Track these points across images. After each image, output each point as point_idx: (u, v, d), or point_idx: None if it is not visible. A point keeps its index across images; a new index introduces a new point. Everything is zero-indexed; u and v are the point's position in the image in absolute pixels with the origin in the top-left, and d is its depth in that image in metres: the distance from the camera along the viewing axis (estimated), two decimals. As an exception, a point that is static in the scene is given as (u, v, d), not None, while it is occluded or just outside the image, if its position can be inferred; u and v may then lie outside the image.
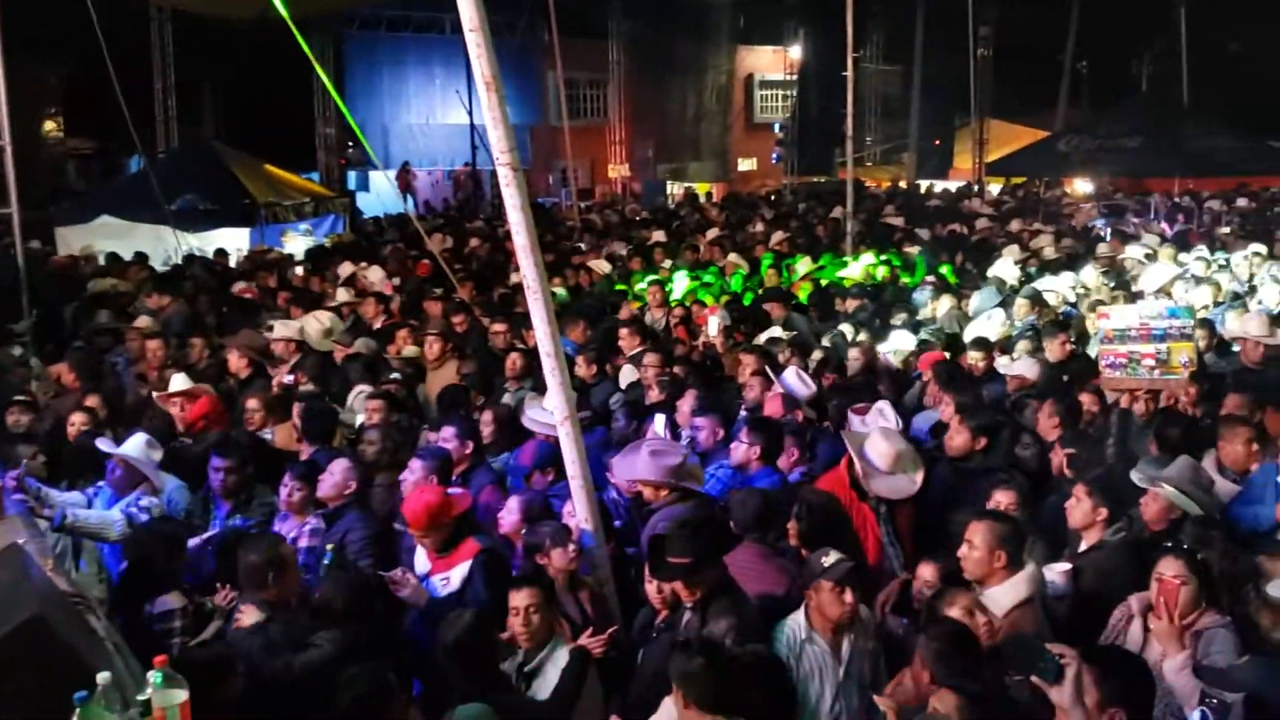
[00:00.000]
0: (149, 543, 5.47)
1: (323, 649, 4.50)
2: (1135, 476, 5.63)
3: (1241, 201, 22.14)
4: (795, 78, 36.84)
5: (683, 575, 4.68)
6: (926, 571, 5.02)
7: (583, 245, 17.36)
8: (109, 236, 17.49)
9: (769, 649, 4.46)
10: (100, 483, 6.46)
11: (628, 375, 8.97)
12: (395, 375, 8.50)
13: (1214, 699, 3.33)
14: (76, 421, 7.42)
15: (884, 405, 7.16)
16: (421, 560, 5.71)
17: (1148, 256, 14.07)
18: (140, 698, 3.15)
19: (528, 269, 5.23)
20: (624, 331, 9.81)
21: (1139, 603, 4.65)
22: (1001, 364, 8.79)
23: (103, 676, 3.11)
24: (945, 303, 11.33)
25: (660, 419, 7.32)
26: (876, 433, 6.03)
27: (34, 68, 20.66)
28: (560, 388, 5.30)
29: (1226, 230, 17.74)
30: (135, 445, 6.41)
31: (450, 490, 5.88)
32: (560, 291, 12.90)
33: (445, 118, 30.20)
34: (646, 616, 5.13)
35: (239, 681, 4.01)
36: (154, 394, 8.08)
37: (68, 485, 6.58)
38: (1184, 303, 9.28)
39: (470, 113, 26.88)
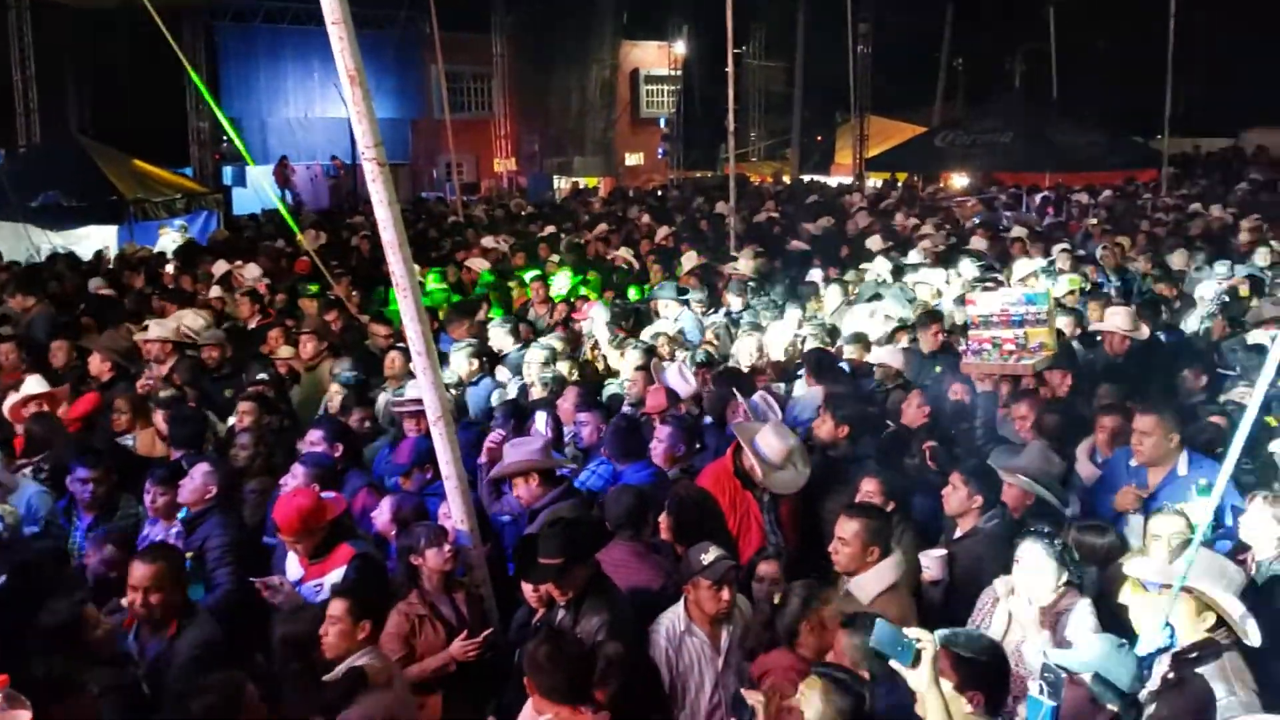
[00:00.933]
0: (32, 557, 5.30)
1: None
2: (992, 464, 5.77)
3: (1106, 194, 22.91)
4: (680, 73, 37.04)
5: (553, 576, 4.65)
6: (766, 569, 5.04)
7: (490, 241, 17.06)
8: (-34, 235, 16.70)
9: (635, 646, 4.44)
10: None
11: (501, 374, 8.90)
12: (263, 376, 8.26)
13: (1050, 673, 3.42)
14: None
15: (763, 394, 7.24)
16: (294, 566, 5.58)
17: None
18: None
19: (396, 266, 5.12)
20: (498, 331, 9.71)
21: (1004, 586, 4.77)
22: (871, 354, 8.93)
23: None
24: (834, 296, 11.42)
25: (541, 416, 7.27)
26: (768, 428, 6.06)
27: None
28: (433, 386, 5.21)
29: (1094, 222, 18.32)
30: None
31: (323, 494, 5.76)
32: (443, 287, 12.74)
33: (324, 111, 29.57)
34: (523, 616, 5.10)
35: (93, 701, 3.84)
36: (3, 404, 7.65)
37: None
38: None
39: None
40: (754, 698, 3.61)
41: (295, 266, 14.24)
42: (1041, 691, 3.31)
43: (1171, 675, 4.01)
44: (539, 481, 5.89)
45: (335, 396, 7.94)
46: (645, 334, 9.81)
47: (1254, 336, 8.58)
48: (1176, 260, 13.22)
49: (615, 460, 6.35)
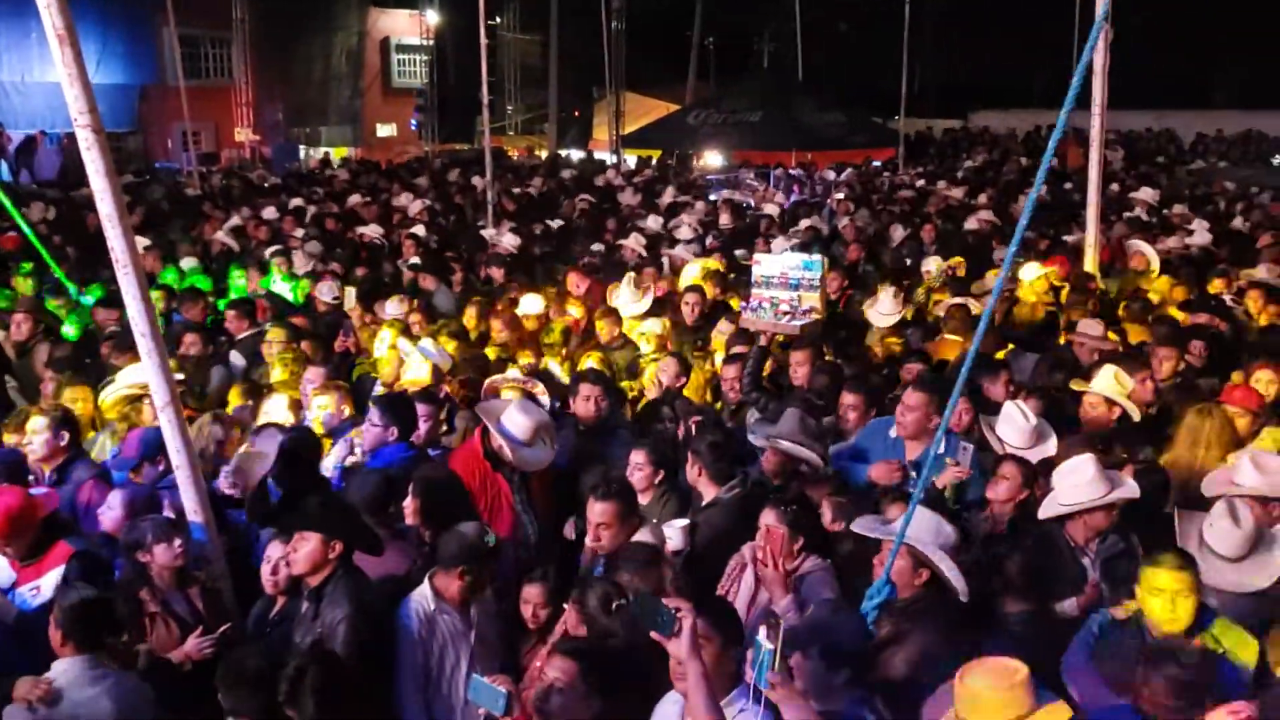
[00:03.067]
0: None
1: None
2: (750, 436, 5.91)
3: (849, 172, 24.02)
4: (432, 43, 36.28)
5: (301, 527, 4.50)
6: (531, 593, 4.77)
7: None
8: None
9: (381, 636, 4.32)
10: None
11: (236, 360, 8.51)
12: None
13: (772, 617, 3.56)
14: None
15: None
16: (3, 570, 5.13)
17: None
18: None
19: (115, 240, 4.80)
20: (231, 314, 9.22)
21: (750, 551, 4.91)
22: (637, 327, 9.01)
23: None
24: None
25: (279, 399, 6.96)
26: (514, 406, 5.98)
27: None
28: (159, 370, 4.89)
29: (840, 197, 19.10)
30: None
31: (34, 490, 5.31)
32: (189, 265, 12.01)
33: (44, 75, 27.23)
34: (262, 608, 4.87)
35: None
36: None
37: None
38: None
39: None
40: (505, 683, 3.55)
41: (2, 242, 13.03)
42: (766, 636, 3.45)
43: (891, 629, 4.25)
44: None
45: (50, 383, 7.34)
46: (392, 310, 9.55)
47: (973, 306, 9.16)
48: (896, 235, 14.08)
49: (394, 439, 6.15)
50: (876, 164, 26.17)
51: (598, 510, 4.91)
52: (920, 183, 20.86)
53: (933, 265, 11.10)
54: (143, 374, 5.31)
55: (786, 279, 7.83)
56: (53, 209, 16.02)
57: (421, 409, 6.41)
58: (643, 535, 4.91)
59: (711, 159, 27.71)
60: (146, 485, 5.89)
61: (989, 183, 21.14)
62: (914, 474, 5.74)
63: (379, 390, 7.49)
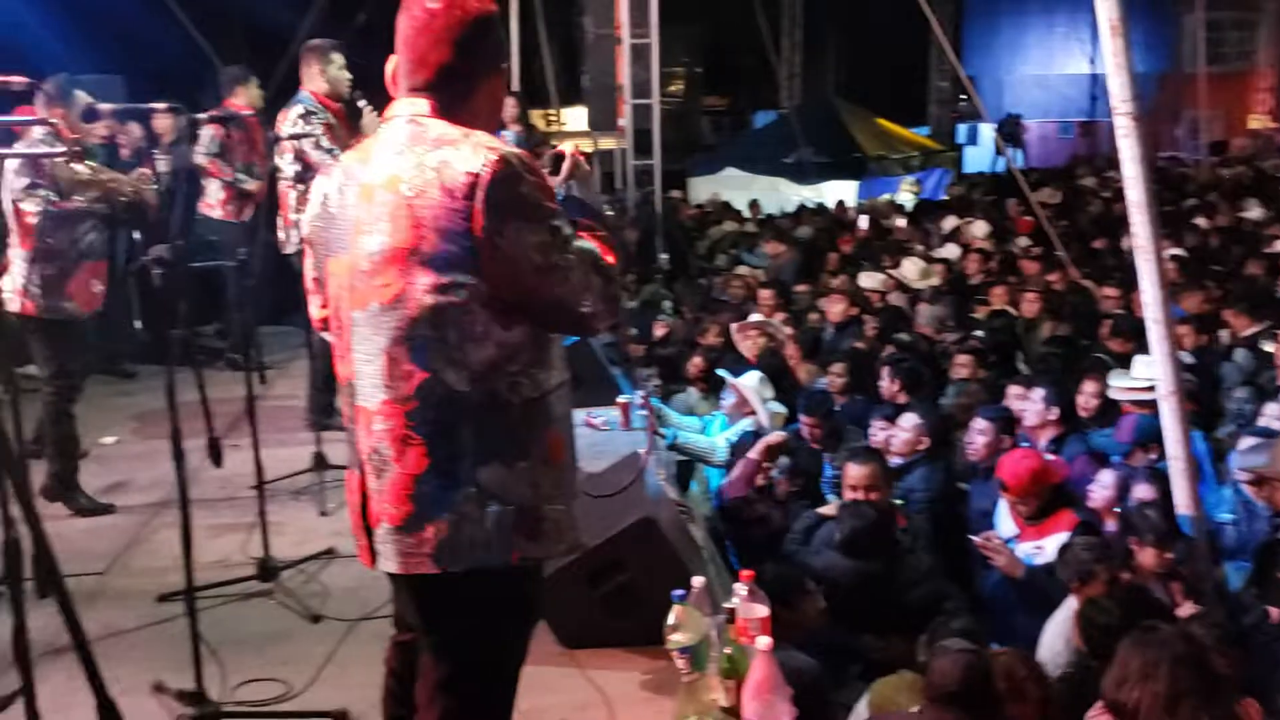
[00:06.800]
0: None
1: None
2: None
3: None
4: None
5: None
6: None
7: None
8: (733, 187, 19.11)
9: None
10: (716, 410, 7.11)
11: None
12: (978, 333, 8.37)
13: None
14: (696, 364, 8.00)
15: None
16: (1007, 524, 5.58)
17: None
18: (726, 605, 3.38)
19: (1140, 227, 4.89)
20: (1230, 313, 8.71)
21: None
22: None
23: (698, 580, 3.43)
24: None
25: None
26: None
27: (679, 32, 22.90)
28: (1166, 357, 4.89)
29: None
30: (750, 378, 6.90)
31: (1047, 457, 5.72)
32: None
33: (1064, 67, 28.83)
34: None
35: (815, 601, 4.23)
36: (733, 325, 8.49)
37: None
38: None
39: (1092, 61, 25.57)
40: None
41: (1019, 226, 14.15)
42: None
43: None
44: None
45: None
46: None
47: None
48: None
49: None
50: None
51: None
52: None
53: None
54: (1149, 366, 5.35)
55: None
56: (1059, 194, 16.88)
57: None
58: None
59: None
60: (1140, 468, 5.95)
61: None
62: None
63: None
